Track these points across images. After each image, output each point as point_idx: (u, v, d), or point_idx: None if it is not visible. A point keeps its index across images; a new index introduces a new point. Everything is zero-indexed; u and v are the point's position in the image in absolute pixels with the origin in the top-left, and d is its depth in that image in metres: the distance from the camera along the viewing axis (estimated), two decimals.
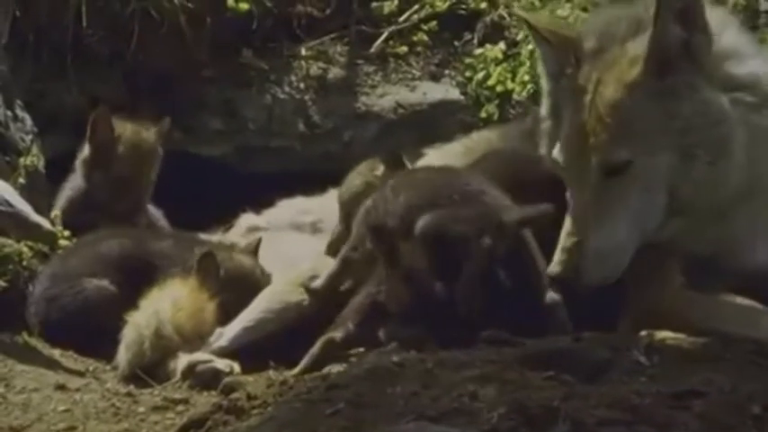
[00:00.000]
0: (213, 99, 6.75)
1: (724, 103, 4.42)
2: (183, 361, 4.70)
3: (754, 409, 3.62)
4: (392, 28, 6.95)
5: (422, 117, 6.73)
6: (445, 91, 6.79)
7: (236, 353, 4.82)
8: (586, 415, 3.52)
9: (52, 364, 4.86)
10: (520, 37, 6.67)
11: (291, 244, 5.45)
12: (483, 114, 6.56)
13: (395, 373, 3.89)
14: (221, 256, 5.16)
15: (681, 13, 4.40)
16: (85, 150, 5.85)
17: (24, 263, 5.32)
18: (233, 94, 6.76)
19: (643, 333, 4.34)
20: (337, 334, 4.51)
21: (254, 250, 5.32)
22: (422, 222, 4.44)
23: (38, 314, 5.20)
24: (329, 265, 4.90)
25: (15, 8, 6.24)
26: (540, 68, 4.78)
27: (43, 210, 5.53)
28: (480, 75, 6.65)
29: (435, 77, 6.86)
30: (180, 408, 4.39)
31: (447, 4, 6.94)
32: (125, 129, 5.85)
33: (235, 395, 4.18)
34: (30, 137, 5.89)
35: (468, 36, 6.93)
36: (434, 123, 6.65)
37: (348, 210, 5.09)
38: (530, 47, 6.53)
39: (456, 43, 6.94)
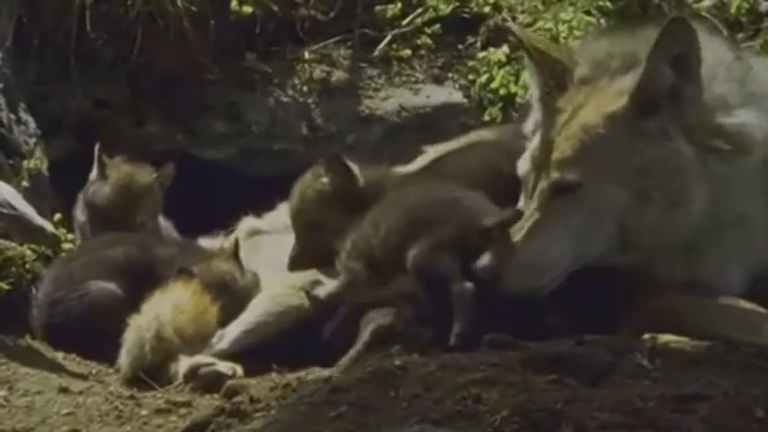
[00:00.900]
0: (216, 102, 6.75)
1: (691, 155, 4.45)
2: (185, 364, 4.71)
3: (758, 412, 3.61)
4: (395, 31, 6.95)
5: (425, 120, 6.73)
6: (448, 94, 6.79)
7: (238, 355, 4.82)
8: (589, 418, 3.52)
9: (55, 368, 4.86)
10: None
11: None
12: (486, 117, 6.56)
13: (398, 375, 3.89)
14: (198, 268, 5.15)
15: (675, 59, 4.43)
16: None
17: (27, 266, 5.33)
18: (236, 98, 6.76)
19: (646, 336, 4.34)
20: (385, 321, 4.53)
21: (232, 254, 5.29)
22: (411, 258, 4.57)
23: (41, 317, 5.20)
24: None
25: (20, 11, 6.24)
26: (532, 80, 4.83)
27: (46, 212, 5.54)
28: (483, 78, 6.65)
29: (439, 80, 6.86)
30: (182, 411, 4.39)
31: (450, 7, 6.94)
32: (117, 170, 5.78)
33: (237, 398, 4.18)
34: (33, 140, 5.89)
35: (471, 39, 6.93)
36: (438, 126, 6.64)
37: (299, 224, 5.10)
38: None
39: (459, 46, 6.94)
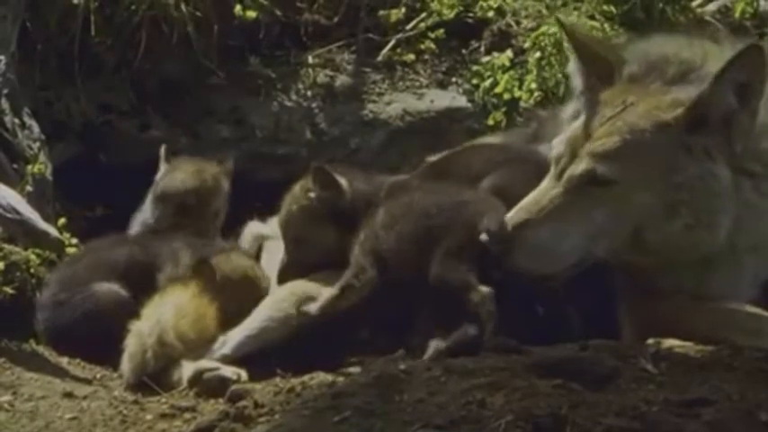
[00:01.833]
0: (220, 106, 6.76)
1: (729, 180, 4.44)
2: (189, 369, 4.70)
3: (763, 416, 3.61)
4: (399, 36, 6.95)
5: (429, 124, 6.73)
6: (452, 98, 6.79)
7: (241, 360, 4.82)
8: (594, 423, 3.53)
9: (59, 372, 4.86)
10: (527, 45, 6.67)
11: None
12: (490, 122, 6.56)
13: (402, 380, 3.89)
14: (217, 259, 5.15)
15: (741, 87, 4.41)
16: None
17: (32, 270, 5.33)
18: (240, 102, 6.76)
19: (650, 341, 4.34)
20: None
21: (254, 254, 5.32)
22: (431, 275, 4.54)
23: (46, 320, 5.20)
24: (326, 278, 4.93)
25: (24, 16, 6.25)
26: (574, 71, 4.79)
27: (50, 217, 5.54)
28: (487, 82, 6.64)
29: (442, 85, 6.86)
30: (187, 415, 4.38)
31: (454, 12, 6.94)
32: (185, 163, 5.80)
33: (242, 403, 4.18)
34: (37, 144, 5.89)
35: (475, 44, 6.93)
36: (441, 131, 6.64)
37: (287, 237, 5.09)
38: (537, 55, 6.54)
39: (463, 51, 6.94)
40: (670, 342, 4.36)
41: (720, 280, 4.58)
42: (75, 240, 5.58)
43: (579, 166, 4.47)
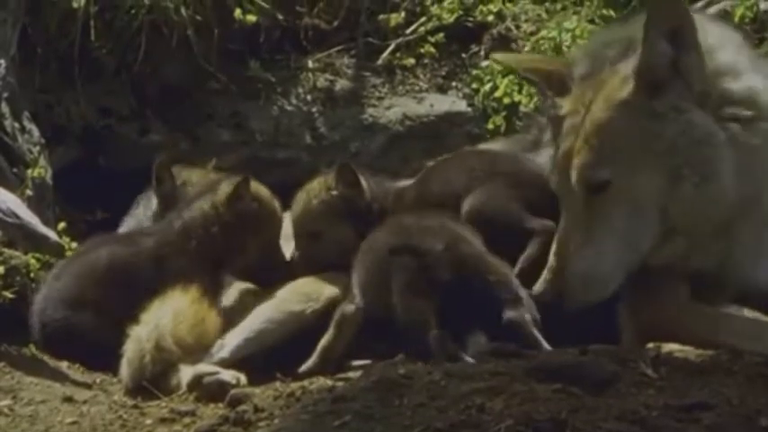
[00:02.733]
0: (221, 111, 6.76)
1: (710, 123, 4.41)
2: (188, 373, 4.69)
3: (762, 421, 3.62)
4: (399, 40, 6.95)
5: (429, 129, 6.73)
6: (452, 103, 6.79)
7: (241, 363, 4.81)
8: (594, 427, 3.53)
9: (59, 377, 4.86)
10: (527, 49, 6.67)
11: None
12: (490, 126, 6.56)
13: (402, 384, 3.89)
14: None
15: (671, 33, 4.40)
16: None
17: (32, 274, 5.32)
18: (240, 106, 6.77)
19: (650, 346, 4.34)
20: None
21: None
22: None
23: (36, 332, 5.17)
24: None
25: (24, 20, 6.25)
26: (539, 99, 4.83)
27: (50, 221, 5.54)
28: (487, 86, 6.65)
29: (442, 89, 6.86)
30: (187, 420, 4.38)
31: (454, 16, 6.95)
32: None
33: (242, 407, 4.18)
34: (37, 148, 5.89)
35: (475, 48, 6.94)
36: (441, 135, 6.65)
37: (301, 231, 5.09)
38: None
39: (463, 55, 6.94)
40: (670, 346, 4.36)
41: (741, 246, 4.54)
42: (74, 244, 5.57)
43: (571, 185, 4.47)
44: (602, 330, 4.53)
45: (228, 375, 4.66)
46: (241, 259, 5.19)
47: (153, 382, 4.73)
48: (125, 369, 4.79)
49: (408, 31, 6.96)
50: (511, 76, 6.60)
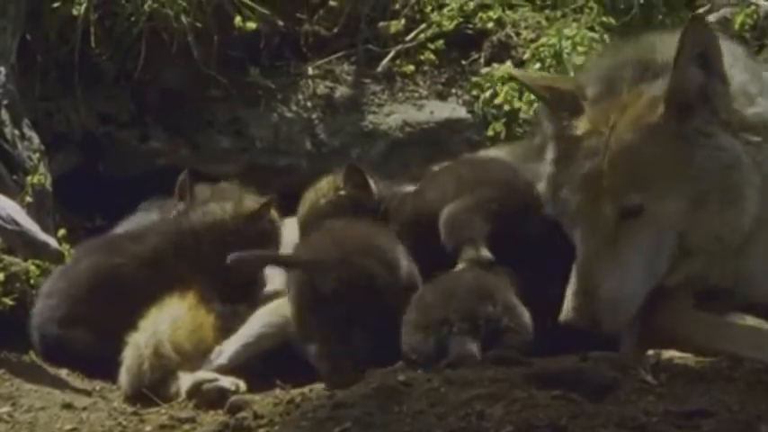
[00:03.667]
0: (221, 117, 6.76)
1: (737, 147, 4.42)
2: (187, 380, 4.69)
3: (762, 428, 3.62)
4: (399, 47, 6.95)
5: (429, 135, 6.73)
6: (452, 109, 6.79)
7: (239, 369, 4.81)
8: None
9: (59, 383, 4.85)
10: (527, 56, 6.68)
11: None
12: (490, 133, 6.56)
13: (401, 391, 3.89)
14: None
15: (700, 57, 4.41)
16: None
17: (32, 281, 5.32)
18: (240, 113, 6.77)
19: (650, 352, 4.34)
20: None
21: None
22: None
23: (37, 345, 5.17)
24: None
25: (24, 27, 6.25)
26: (544, 119, 4.80)
27: (50, 228, 5.54)
28: (487, 93, 6.65)
29: (442, 96, 6.86)
30: (186, 427, 4.38)
31: (454, 23, 6.95)
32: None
33: (241, 414, 4.17)
34: (37, 155, 5.89)
35: (475, 55, 6.94)
36: (441, 142, 6.65)
37: (310, 230, 5.09)
38: (536, 66, 6.54)
39: (463, 62, 6.94)
40: (670, 353, 4.36)
41: (755, 261, 4.54)
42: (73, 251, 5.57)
43: (606, 210, 4.43)
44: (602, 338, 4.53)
45: (228, 382, 4.65)
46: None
47: (152, 389, 4.72)
48: (124, 376, 4.79)
49: (408, 38, 6.96)
50: (511, 83, 6.61)
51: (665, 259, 4.43)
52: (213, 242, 5.23)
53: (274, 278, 5.18)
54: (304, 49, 6.96)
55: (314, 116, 6.79)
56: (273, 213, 5.39)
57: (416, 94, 6.86)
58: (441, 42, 6.92)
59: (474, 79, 6.77)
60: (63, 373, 5.00)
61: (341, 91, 6.86)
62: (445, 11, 6.97)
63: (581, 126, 4.55)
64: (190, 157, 6.56)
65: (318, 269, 4.59)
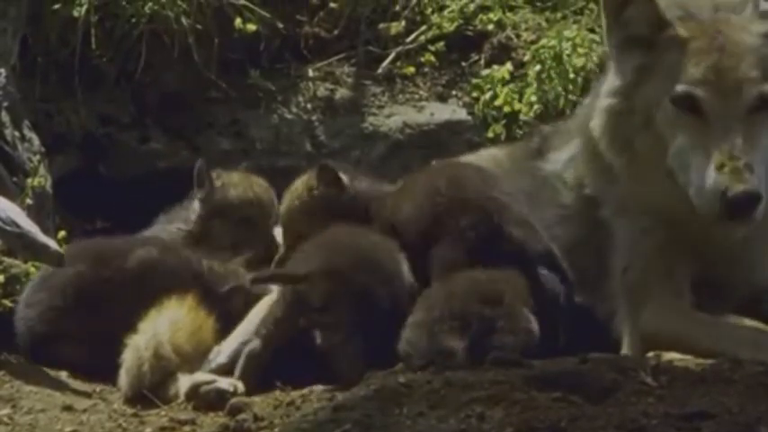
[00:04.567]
0: (221, 119, 6.77)
1: None
2: (185, 382, 4.69)
3: (762, 430, 3.62)
4: (399, 49, 6.96)
5: (429, 137, 6.74)
6: (452, 111, 6.80)
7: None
8: None
9: (59, 385, 4.85)
10: (527, 58, 6.68)
11: None
12: (490, 134, 6.57)
13: (402, 393, 3.89)
14: None
15: None
16: None
17: None
18: (241, 115, 6.77)
19: (650, 354, 4.34)
20: None
21: None
22: None
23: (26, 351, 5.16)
24: None
25: (24, 29, 6.26)
26: (612, 39, 4.79)
27: (50, 230, 5.54)
28: (487, 95, 6.65)
29: (442, 98, 6.87)
30: (186, 428, 4.38)
31: (454, 25, 6.95)
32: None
33: (241, 416, 4.18)
34: (37, 157, 5.90)
35: (475, 57, 6.94)
36: (441, 143, 6.65)
37: (288, 230, 5.10)
38: (537, 68, 6.55)
39: (463, 64, 6.95)
40: (670, 355, 4.36)
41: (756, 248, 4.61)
42: None
43: (742, 101, 4.56)
44: (602, 338, 4.54)
45: (226, 383, 4.65)
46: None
47: (152, 390, 4.72)
48: (123, 377, 4.79)
49: (408, 39, 6.97)
50: (511, 85, 6.62)
51: None
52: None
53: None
54: (304, 51, 6.97)
55: (314, 118, 6.80)
56: None
57: (417, 96, 6.87)
58: (441, 44, 6.92)
59: (474, 81, 6.78)
60: (63, 375, 4.99)
61: (341, 93, 6.87)
62: (445, 13, 6.97)
63: (682, 31, 4.66)
64: (190, 158, 6.56)
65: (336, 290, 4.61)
